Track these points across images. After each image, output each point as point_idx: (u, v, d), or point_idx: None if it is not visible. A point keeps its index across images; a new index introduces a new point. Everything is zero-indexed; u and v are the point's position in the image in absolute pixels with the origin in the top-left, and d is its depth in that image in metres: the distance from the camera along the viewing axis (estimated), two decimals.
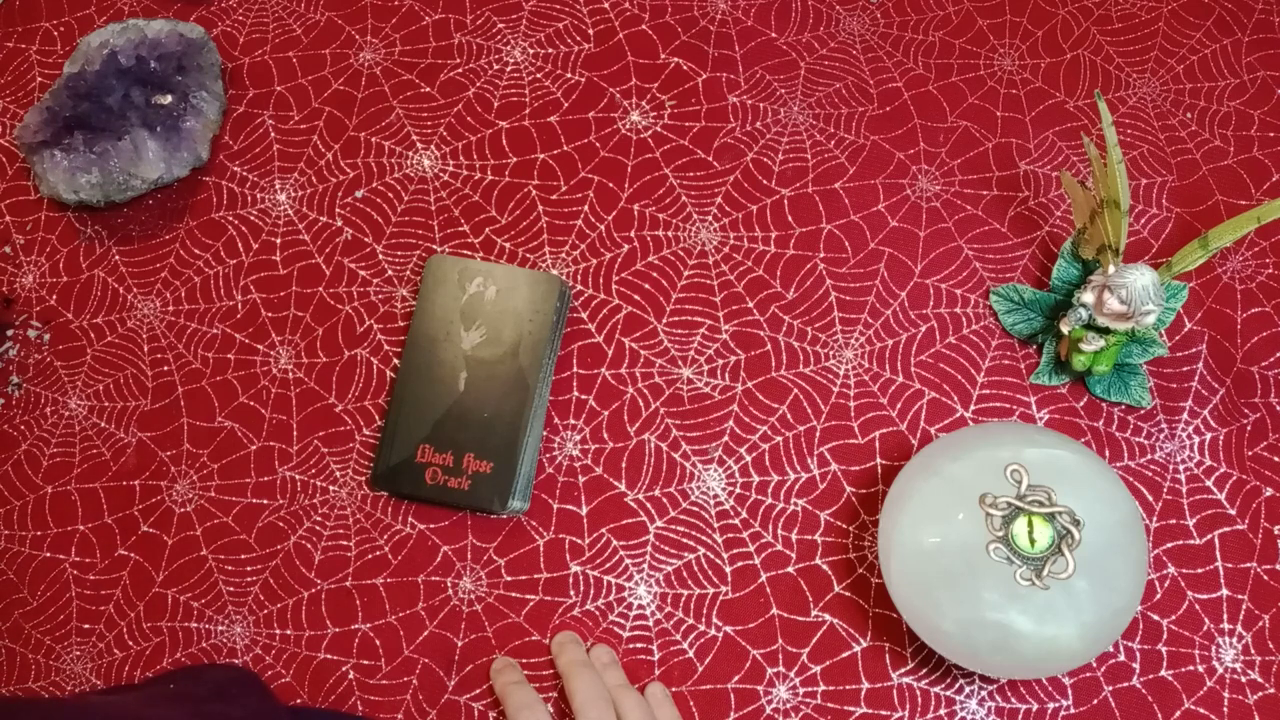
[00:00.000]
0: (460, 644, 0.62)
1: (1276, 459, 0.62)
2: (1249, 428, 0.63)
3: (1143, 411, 0.64)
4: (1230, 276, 0.66)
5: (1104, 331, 0.60)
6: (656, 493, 0.64)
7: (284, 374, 0.68)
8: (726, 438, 0.65)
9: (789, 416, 0.65)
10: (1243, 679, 0.59)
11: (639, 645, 0.62)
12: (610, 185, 0.70)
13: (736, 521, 0.63)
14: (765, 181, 0.69)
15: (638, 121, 0.71)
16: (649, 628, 0.62)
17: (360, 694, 0.62)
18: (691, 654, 0.61)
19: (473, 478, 0.62)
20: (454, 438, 0.62)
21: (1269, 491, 0.62)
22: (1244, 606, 0.60)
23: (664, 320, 0.67)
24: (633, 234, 0.69)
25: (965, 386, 0.65)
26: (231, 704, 0.58)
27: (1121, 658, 0.60)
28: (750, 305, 0.67)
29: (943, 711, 0.60)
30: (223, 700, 0.58)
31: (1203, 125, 0.69)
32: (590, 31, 0.73)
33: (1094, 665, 0.60)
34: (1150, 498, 0.62)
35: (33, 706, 0.50)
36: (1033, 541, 0.53)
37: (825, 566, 0.62)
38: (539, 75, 0.72)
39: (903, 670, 0.60)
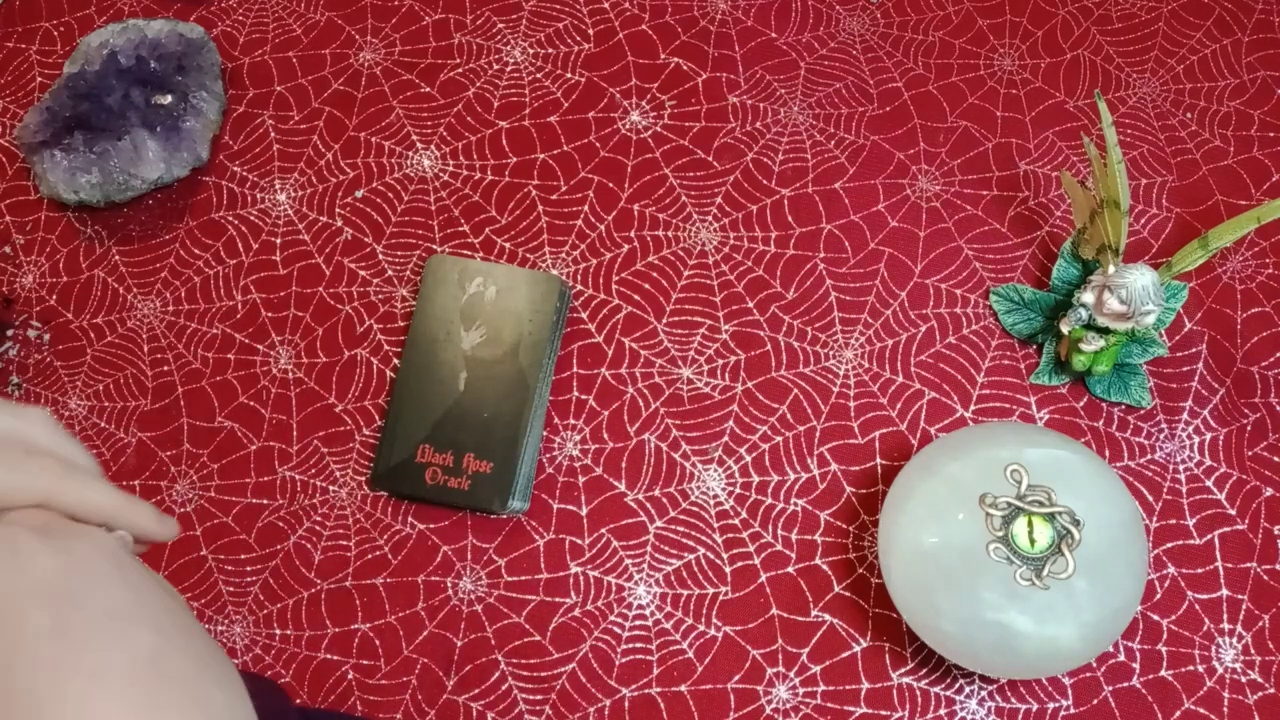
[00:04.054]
0: (460, 644, 0.62)
1: (1276, 459, 0.62)
2: (1249, 428, 0.63)
3: (1143, 411, 0.64)
4: (1230, 276, 0.66)
5: (1104, 331, 0.60)
6: (656, 493, 0.64)
7: (284, 374, 0.68)
8: (726, 438, 0.65)
9: (789, 416, 0.65)
10: (1243, 679, 0.59)
11: (638, 645, 0.62)
12: (610, 185, 0.70)
13: (736, 521, 0.63)
14: (765, 181, 0.69)
15: (638, 121, 0.71)
16: (649, 628, 0.62)
17: (360, 694, 0.62)
18: (691, 654, 0.61)
19: (473, 478, 0.62)
20: (454, 438, 0.62)
21: (1269, 491, 0.62)
22: (1244, 606, 0.60)
23: (664, 320, 0.67)
24: (633, 234, 0.69)
25: (965, 386, 0.65)
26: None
27: (1121, 658, 0.60)
28: (750, 305, 0.67)
29: (943, 711, 0.60)
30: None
31: (1203, 125, 0.69)
32: (590, 31, 0.73)
33: (1094, 665, 0.60)
34: (1150, 498, 0.62)
35: None
36: (1033, 541, 0.53)
37: (825, 566, 0.62)
38: (539, 75, 0.72)
39: (903, 670, 0.60)
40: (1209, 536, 0.61)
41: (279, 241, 0.70)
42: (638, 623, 0.62)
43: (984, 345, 0.65)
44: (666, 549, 0.63)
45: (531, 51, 0.73)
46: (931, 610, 0.54)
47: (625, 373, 0.66)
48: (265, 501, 0.65)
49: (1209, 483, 0.62)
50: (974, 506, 0.54)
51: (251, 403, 0.67)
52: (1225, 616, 0.60)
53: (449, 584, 0.63)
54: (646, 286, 0.68)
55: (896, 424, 0.64)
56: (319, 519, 0.65)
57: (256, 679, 0.61)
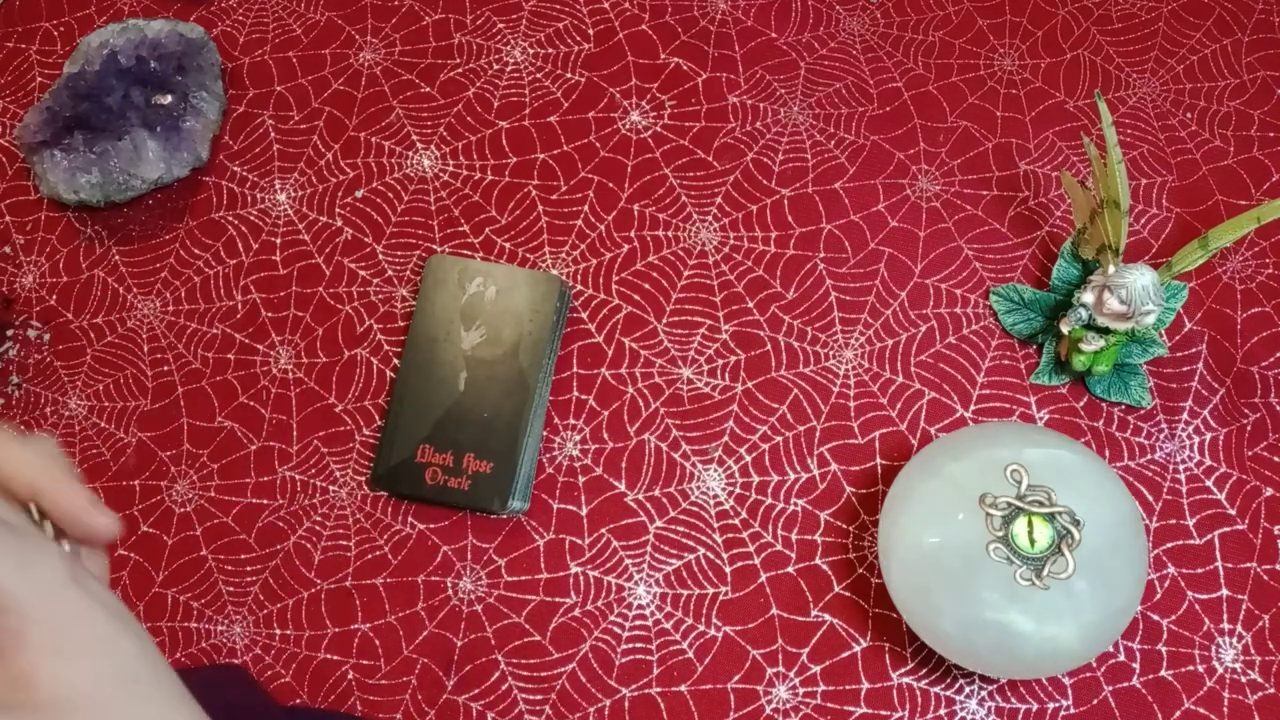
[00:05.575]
0: (459, 644, 0.62)
1: (1276, 459, 0.62)
2: (1249, 428, 0.63)
3: (1143, 411, 0.64)
4: (1230, 276, 0.66)
5: (1104, 331, 0.60)
6: (656, 493, 0.64)
7: (284, 374, 0.68)
8: (726, 438, 0.65)
9: (789, 416, 0.65)
10: (1243, 679, 0.59)
11: (638, 645, 0.62)
12: (610, 185, 0.70)
13: (736, 521, 0.63)
14: (765, 181, 0.69)
15: (638, 121, 0.71)
16: (649, 628, 0.62)
17: (359, 694, 0.62)
18: (691, 654, 0.61)
19: (473, 478, 0.62)
20: (454, 438, 0.62)
21: (1269, 491, 0.62)
22: (1244, 606, 0.60)
23: (664, 320, 0.67)
24: (633, 234, 0.69)
25: (965, 386, 0.65)
26: (214, 694, 0.58)
27: (1121, 658, 0.60)
28: (750, 305, 0.67)
29: (943, 711, 0.60)
30: (206, 689, 0.58)
31: (1203, 125, 0.69)
32: (590, 31, 0.73)
33: (1094, 665, 0.60)
34: (1150, 498, 0.62)
35: None
36: (1033, 541, 0.53)
37: (825, 566, 0.62)
38: (539, 75, 0.72)
39: (903, 670, 0.60)
40: (1209, 536, 0.61)
41: (279, 241, 0.70)
42: (638, 623, 0.62)
43: (984, 345, 0.65)
44: (666, 549, 0.63)
45: (531, 51, 0.73)
46: (931, 610, 0.54)
47: (625, 373, 0.66)
48: (265, 501, 0.65)
49: (1209, 483, 0.62)
50: (974, 506, 0.54)
51: (251, 403, 0.67)
52: (1225, 616, 0.60)
53: (449, 584, 0.63)
54: (646, 286, 0.68)
55: (896, 424, 0.64)
56: (319, 519, 0.65)
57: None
